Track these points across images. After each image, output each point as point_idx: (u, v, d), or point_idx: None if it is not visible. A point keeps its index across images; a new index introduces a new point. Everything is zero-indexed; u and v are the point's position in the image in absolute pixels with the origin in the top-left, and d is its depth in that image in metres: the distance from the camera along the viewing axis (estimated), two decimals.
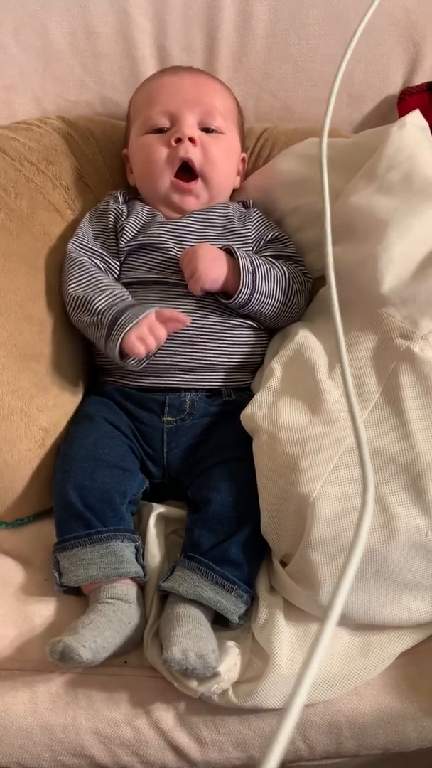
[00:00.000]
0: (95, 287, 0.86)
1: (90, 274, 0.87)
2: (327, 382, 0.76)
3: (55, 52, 1.04)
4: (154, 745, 0.69)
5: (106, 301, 0.84)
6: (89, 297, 0.84)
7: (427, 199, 0.80)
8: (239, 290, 0.84)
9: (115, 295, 0.85)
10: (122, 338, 0.79)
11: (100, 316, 0.83)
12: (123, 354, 0.81)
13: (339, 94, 1.07)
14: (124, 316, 0.81)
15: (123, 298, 0.85)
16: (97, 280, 0.87)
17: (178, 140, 0.90)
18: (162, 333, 0.81)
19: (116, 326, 0.80)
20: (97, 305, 0.83)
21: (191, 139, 0.90)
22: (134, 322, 0.80)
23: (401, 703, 0.71)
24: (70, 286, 0.86)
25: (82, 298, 0.85)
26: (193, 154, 0.90)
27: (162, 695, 0.70)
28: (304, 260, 0.94)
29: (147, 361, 0.83)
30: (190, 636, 0.66)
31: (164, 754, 0.69)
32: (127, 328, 0.79)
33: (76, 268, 0.88)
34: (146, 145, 0.92)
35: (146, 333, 0.80)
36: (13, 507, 0.81)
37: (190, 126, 0.91)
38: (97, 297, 0.84)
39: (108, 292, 0.85)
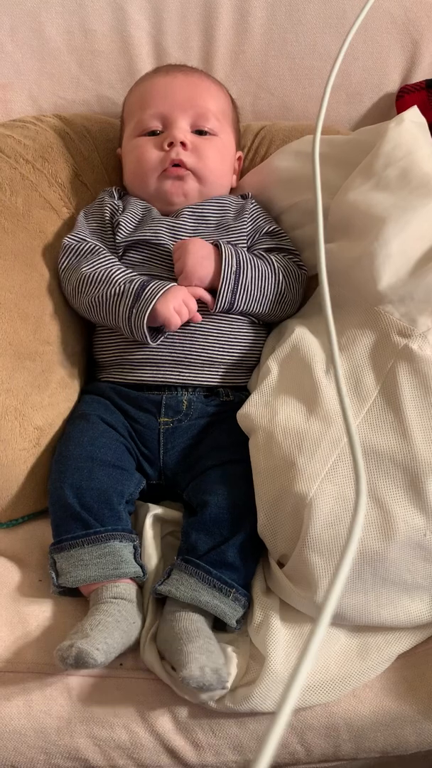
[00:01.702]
0: (111, 264, 0.86)
1: (104, 257, 0.87)
2: (323, 381, 0.75)
3: (51, 50, 1.04)
4: (150, 749, 0.68)
5: (125, 274, 0.84)
6: (107, 271, 0.84)
7: (424, 195, 0.79)
8: (219, 294, 0.84)
9: (130, 273, 0.85)
10: (154, 304, 0.79)
11: (123, 286, 0.82)
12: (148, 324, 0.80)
13: (337, 92, 1.08)
14: (152, 285, 0.81)
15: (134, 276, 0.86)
16: (111, 261, 0.87)
17: (171, 144, 0.90)
18: (194, 304, 0.82)
19: (145, 293, 0.80)
20: (117, 277, 0.84)
21: (183, 144, 0.90)
22: (165, 288, 0.80)
23: (400, 706, 0.70)
24: (83, 268, 0.86)
25: (98, 273, 0.84)
26: (185, 157, 0.90)
27: (158, 698, 0.69)
28: (300, 254, 0.93)
29: (163, 337, 0.83)
30: (203, 651, 0.65)
31: (160, 758, 0.68)
32: (159, 293, 0.80)
33: (90, 254, 0.87)
34: (138, 148, 0.92)
35: (181, 304, 0.81)
36: (8, 507, 0.80)
37: (182, 130, 0.91)
38: (116, 271, 0.85)
39: (124, 269, 0.86)
